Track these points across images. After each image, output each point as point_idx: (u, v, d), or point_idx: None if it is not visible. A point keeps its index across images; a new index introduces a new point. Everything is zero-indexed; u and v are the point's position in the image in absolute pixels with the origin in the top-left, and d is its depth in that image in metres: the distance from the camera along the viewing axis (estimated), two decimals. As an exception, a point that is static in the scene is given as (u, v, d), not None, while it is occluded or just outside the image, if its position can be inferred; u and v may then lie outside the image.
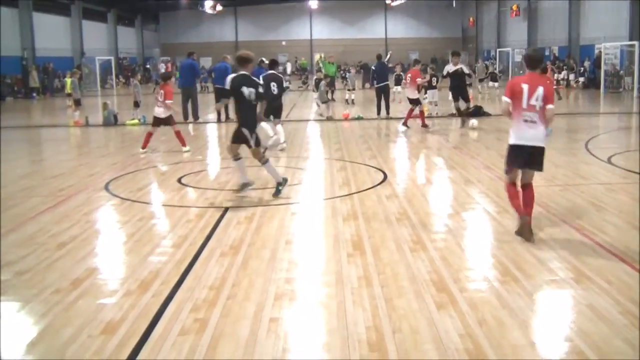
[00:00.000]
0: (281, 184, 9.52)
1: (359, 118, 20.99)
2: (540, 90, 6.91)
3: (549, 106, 6.97)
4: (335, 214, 8.43)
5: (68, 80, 24.51)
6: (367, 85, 32.13)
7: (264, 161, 9.45)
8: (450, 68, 17.97)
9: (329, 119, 20.87)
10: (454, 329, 4.79)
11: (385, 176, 10.85)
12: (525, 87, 6.93)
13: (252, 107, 9.35)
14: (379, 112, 21.13)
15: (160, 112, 13.96)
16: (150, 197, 10.01)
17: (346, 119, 20.79)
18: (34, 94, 37.49)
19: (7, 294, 5.86)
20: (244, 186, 9.54)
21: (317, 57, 51.07)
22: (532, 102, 6.91)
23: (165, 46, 67.34)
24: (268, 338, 4.72)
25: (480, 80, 31.90)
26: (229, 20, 67.84)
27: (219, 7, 60.30)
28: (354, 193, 9.59)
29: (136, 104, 21.60)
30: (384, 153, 13.82)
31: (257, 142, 9.38)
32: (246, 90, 9.19)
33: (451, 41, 62.53)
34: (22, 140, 18.86)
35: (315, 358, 4.45)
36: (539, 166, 7.10)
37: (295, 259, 6.68)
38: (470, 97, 19.35)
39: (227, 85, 9.23)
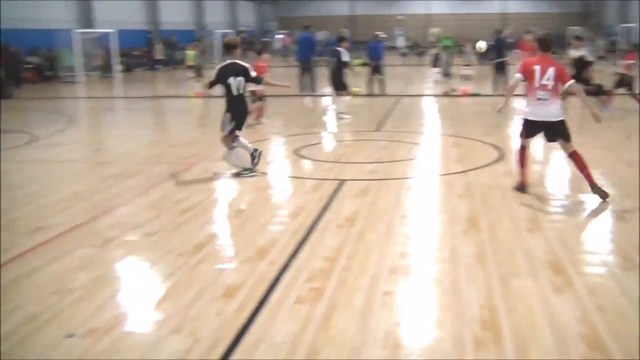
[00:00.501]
0: (248, 169, 9.43)
1: (475, 94, 20.64)
2: (551, 71, 7.62)
3: (568, 83, 7.80)
4: (450, 190, 8.39)
5: (189, 53, 25.30)
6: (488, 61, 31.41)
7: (231, 147, 9.34)
8: (574, 54, 17.17)
9: (447, 94, 20.61)
10: (570, 312, 4.70)
11: (502, 153, 10.67)
12: (537, 68, 7.67)
13: (239, 96, 9.31)
14: (496, 89, 20.69)
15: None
16: (268, 168, 10.27)
17: (465, 94, 20.47)
18: (158, 66, 38.93)
19: (137, 254, 6.24)
20: (246, 170, 9.49)
21: (434, 31, 50.22)
22: (544, 81, 7.62)
23: (282, 19, 68.08)
24: (382, 311, 4.79)
25: (600, 58, 30.50)
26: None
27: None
28: (470, 170, 9.49)
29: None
30: (500, 130, 13.56)
31: (232, 131, 9.28)
32: (233, 80, 9.18)
33: (571, 16, 59.97)
34: (148, 110, 19.70)
35: (427, 333, 4.50)
36: (563, 137, 7.78)
37: (410, 233, 6.73)
38: (592, 75, 18.43)
39: (213, 75, 9.30)
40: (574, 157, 7.76)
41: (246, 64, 9.45)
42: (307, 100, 19.64)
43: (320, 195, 8.16)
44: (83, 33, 32.07)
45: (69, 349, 4.28)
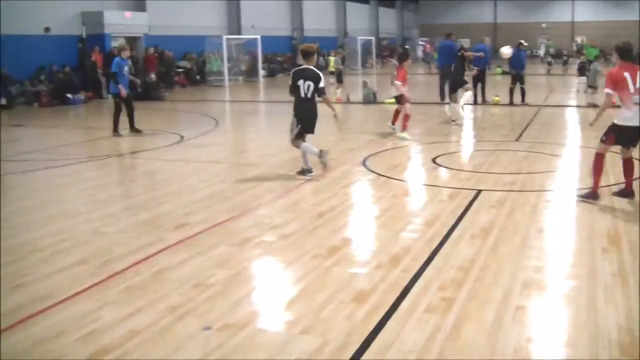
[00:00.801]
0: (307, 171, 9.78)
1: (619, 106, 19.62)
2: None
3: None
4: (590, 204, 8.06)
5: (331, 59, 25.71)
6: None
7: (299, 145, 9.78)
8: None
9: (591, 105, 19.77)
10: None
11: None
12: (627, 74, 7.84)
13: (306, 100, 9.59)
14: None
15: (394, 90, 14.03)
16: (404, 175, 10.27)
17: (614, 105, 19.45)
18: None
19: (273, 254, 6.45)
20: (306, 172, 9.81)
21: (578, 40, 48.31)
22: (638, 85, 7.81)
23: (424, 27, 67.80)
24: (513, 325, 4.69)
25: None
26: (488, 2, 66.60)
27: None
28: (612, 185, 9.08)
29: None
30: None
31: (298, 134, 9.68)
32: (302, 84, 9.49)
33: None
34: (289, 114, 20.12)
35: (560, 352, 4.37)
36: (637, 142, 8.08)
37: (546, 247, 6.54)
38: None
39: (290, 80, 9.68)
40: (630, 162, 8.24)
41: (319, 72, 9.72)
42: (447, 109, 19.45)
43: (456, 205, 8.09)
44: (231, 39, 33.37)
45: (205, 341, 4.50)
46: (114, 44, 26.76)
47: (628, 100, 7.88)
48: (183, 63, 31.10)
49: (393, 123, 14.09)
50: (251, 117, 20.25)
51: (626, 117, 7.92)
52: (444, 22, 62.10)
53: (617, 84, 7.89)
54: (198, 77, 32.33)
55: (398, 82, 13.65)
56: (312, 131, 9.85)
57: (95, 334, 4.64)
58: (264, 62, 36.98)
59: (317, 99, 9.76)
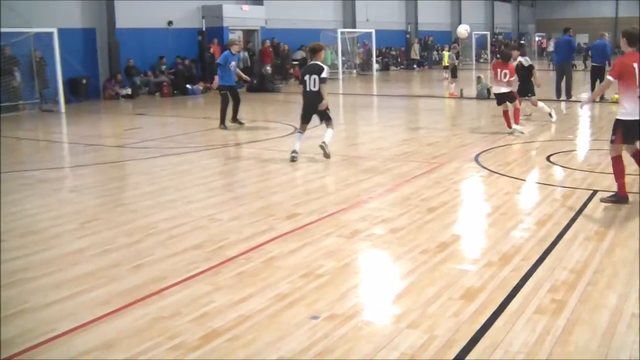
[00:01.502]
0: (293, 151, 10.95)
1: None
2: None
3: None
4: None
5: (445, 54, 25.45)
6: None
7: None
8: None
9: None
10: None
11: None
12: (636, 65, 7.31)
13: (311, 92, 10.68)
14: None
15: (499, 88, 13.54)
16: (517, 172, 10.06)
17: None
18: (415, 66, 39.57)
19: (382, 247, 6.49)
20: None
21: None
22: None
23: (540, 22, 65.80)
24: (628, 334, 4.50)
25: None
26: (607, -5, 63.78)
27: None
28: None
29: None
30: None
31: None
32: (308, 78, 10.65)
33: None
34: (402, 108, 20.15)
35: (679, 361, 4.19)
36: None
37: (668, 253, 6.26)
38: None
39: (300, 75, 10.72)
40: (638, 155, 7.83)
41: (323, 66, 10.77)
42: (563, 106, 18.87)
43: (571, 205, 7.86)
44: (345, 32, 33.57)
45: (312, 330, 4.58)
46: (232, 36, 27.63)
47: (632, 92, 7.39)
48: (298, 53, 31.48)
49: (510, 126, 13.59)
50: (364, 110, 20.32)
51: (630, 110, 7.45)
52: (561, 17, 60.13)
53: (622, 74, 7.43)
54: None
55: (512, 78, 13.34)
56: (307, 120, 11.11)
57: (207, 317, 4.82)
58: (377, 56, 37.00)
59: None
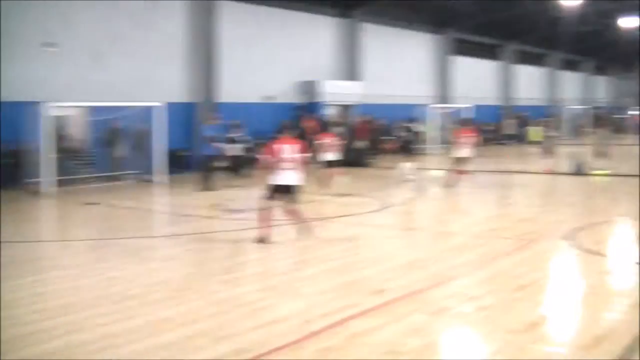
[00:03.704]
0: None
1: None
2: None
3: None
4: None
5: (532, 129, 25.13)
6: None
7: None
8: None
9: None
10: None
11: None
12: None
13: None
14: None
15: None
16: (613, 251, 9.73)
17: None
18: (507, 141, 39.20)
19: (469, 325, 6.39)
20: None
21: None
22: None
23: (640, 95, 64.09)
24: None
25: None
26: None
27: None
28: None
29: (602, 154, 21.13)
30: None
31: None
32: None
33: None
34: (494, 183, 19.89)
35: None
36: None
37: None
38: None
39: None
40: None
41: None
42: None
43: (669, 287, 7.53)
44: (439, 108, 33.85)
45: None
46: (329, 111, 28.37)
47: None
48: (390, 139, 31.82)
49: None
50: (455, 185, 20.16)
51: None
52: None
53: None
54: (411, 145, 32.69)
55: None
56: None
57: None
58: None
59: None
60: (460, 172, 17.40)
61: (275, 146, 10.16)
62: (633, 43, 46.07)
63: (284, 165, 10.11)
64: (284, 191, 10.26)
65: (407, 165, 17.10)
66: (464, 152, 17.27)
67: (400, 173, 16.99)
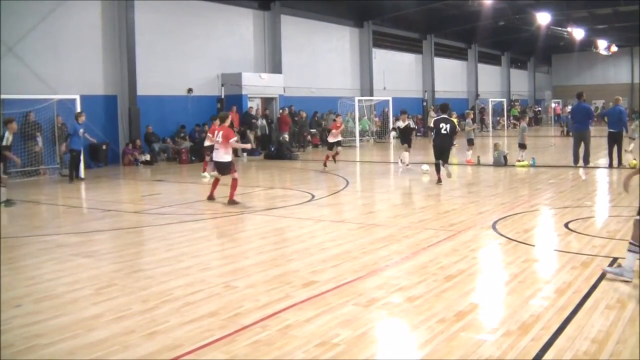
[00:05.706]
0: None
1: None
2: None
3: None
4: None
5: (454, 121, 25.60)
6: None
7: None
8: None
9: None
10: None
11: None
12: None
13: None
14: None
15: None
16: (535, 240, 9.98)
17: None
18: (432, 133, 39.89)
19: (399, 316, 6.41)
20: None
21: None
22: None
23: (556, 88, 66.38)
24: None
25: None
26: (624, 62, 64.16)
27: (614, 49, 57.23)
28: None
29: (522, 146, 21.69)
30: None
31: None
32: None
33: None
34: (418, 175, 20.15)
35: None
36: None
37: (692, 323, 6.14)
38: None
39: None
40: None
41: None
42: (581, 172, 18.86)
43: (590, 273, 7.76)
44: (363, 100, 34.15)
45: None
46: (250, 104, 28.18)
47: None
48: (313, 132, 31.90)
49: None
50: (381, 178, 20.35)
51: None
52: (577, 83, 60.49)
53: None
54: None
55: None
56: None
57: (223, 386, 4.76)
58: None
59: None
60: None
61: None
62: (548, 38, 47.58)
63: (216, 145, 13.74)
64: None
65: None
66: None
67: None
